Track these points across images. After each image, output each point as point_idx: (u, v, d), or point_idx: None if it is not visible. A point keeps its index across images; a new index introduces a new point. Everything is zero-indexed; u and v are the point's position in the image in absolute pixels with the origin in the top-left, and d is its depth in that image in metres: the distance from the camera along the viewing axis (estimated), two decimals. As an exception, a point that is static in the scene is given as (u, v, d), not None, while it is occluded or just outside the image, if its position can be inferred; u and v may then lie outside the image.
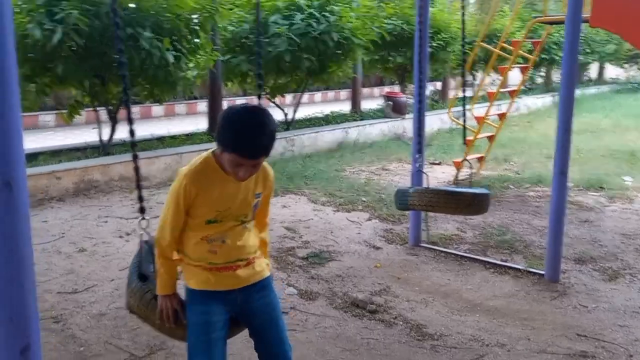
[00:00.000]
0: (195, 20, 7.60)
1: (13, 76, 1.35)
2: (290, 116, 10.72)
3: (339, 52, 9.90)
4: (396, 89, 14.85)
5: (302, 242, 5.11)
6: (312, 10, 9.57)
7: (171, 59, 6.74)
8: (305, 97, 19.23)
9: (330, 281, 4.31)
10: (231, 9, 10.02)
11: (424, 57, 4.67)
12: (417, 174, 4.87)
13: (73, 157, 7.50)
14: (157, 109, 14.99)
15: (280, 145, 9.14)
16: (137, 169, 2.31)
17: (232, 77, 10.10)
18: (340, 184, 7.19)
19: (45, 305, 3.73)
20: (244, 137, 1.88)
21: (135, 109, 14.45)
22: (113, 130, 7.77)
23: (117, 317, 3.61)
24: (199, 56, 7.90)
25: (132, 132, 2.31)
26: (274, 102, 10.76)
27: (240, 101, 18.08)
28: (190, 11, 7.44)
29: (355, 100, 12.85)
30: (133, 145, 2.30)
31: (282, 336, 2.28)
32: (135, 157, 2.32)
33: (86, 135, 9.34)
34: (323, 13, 9.62)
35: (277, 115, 11.32)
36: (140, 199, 2.28)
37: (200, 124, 11.44)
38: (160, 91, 7.67)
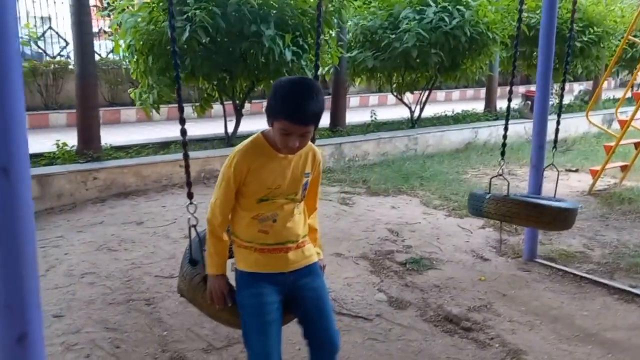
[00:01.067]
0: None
1: (16, 62, 1.34)
2: (416, 114, 10.37)
3: (472, 48, 9.36)
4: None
5: (403, 246, 4.86)
6: (445, 4, 9.15)
7: (289, 57, 6.77)
8: (442, 94, 18.64)
9: (426, 291, 4.02)
10: (364, 3, 9.94)
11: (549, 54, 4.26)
12: (535, 179, 4.42)
13: (201, 147, 7.87)
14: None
15: (402, 143, 8.87)
16: (186, 156, 2.46)
17: (359, 73, 9.98)
18: (458, 188, 6.77)
19: (142, 287, 3.90)
20: (294, 103, 1.92)
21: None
22: (238, 123, 8.05)
23: (203, 305, 3.66)
24: (323, 52, 7.89)
25: (183, 132, 2.47)
26: (399, 99, 10.49)
27: (372, 99, 17.77)
28: (316, 7, 7.45)
29: (489, 99, 12.10)
30: (184, 145, 2.45)
31: (328, 322, 2.25)
32: (184, 145, 2.48)
33: (219, 127, 9.77)
34: (457, 6, 9.15)
35: (403, 112, 11.03)
36: (189, 185, 2.39)
37: (323, 119, 11.33)
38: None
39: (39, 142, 7.53)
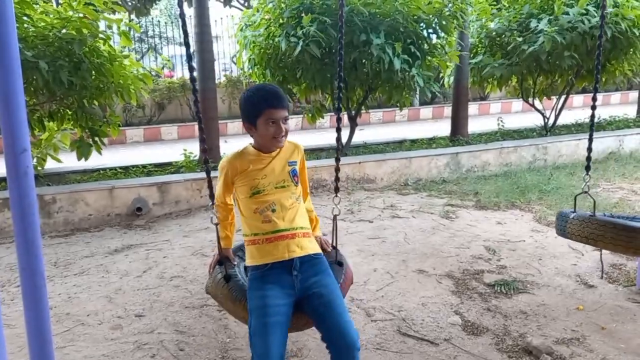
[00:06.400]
0: (436, 22, 7.35)
1: (15, 61, 1.44)
2: (550, 121, 9.58)
3: (617, 47, 8.43)
4: None
5: (497, 266, 4.50)
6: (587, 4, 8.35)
7: (397, 65, 6.63)
8: (579, 99, 17.03)
9: (510, 317, 3.68)
10: (490, 4, 9.44)
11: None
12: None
13: (312, 156, 8.00)
14: (402, 113, 14.96)
15: (529, 153, 8.24)
16: (206, 161, 2.53)
17: (486, 78, 9.45)
18: (581, 203, 6.05)
19: (219, 294, 4.06)
20: (268, 94, 2.34)
21: (379, 114, 14.79)
22: (352, 132, 8.08)
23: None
24: (439, 58, 7.64)
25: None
26: (531, 105, 9.77)
27: (494, 106, 16.61)
28: (432, 13, 7.23)
29: (643, 104, 10.80)
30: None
31: (341, 318, 2.24)
32: (204, 151, 2.54)
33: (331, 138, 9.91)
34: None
35: (532, 120, 10.25)
36: (211, 188, 2.52)
37: (443, 128, 10.78)
38: (398, 96, 7.63)
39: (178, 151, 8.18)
